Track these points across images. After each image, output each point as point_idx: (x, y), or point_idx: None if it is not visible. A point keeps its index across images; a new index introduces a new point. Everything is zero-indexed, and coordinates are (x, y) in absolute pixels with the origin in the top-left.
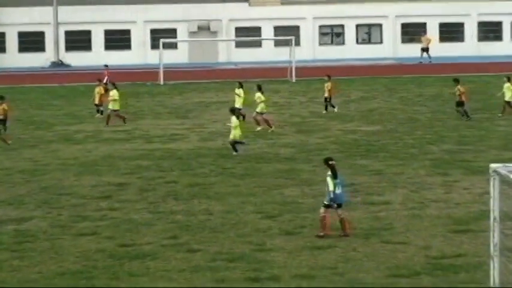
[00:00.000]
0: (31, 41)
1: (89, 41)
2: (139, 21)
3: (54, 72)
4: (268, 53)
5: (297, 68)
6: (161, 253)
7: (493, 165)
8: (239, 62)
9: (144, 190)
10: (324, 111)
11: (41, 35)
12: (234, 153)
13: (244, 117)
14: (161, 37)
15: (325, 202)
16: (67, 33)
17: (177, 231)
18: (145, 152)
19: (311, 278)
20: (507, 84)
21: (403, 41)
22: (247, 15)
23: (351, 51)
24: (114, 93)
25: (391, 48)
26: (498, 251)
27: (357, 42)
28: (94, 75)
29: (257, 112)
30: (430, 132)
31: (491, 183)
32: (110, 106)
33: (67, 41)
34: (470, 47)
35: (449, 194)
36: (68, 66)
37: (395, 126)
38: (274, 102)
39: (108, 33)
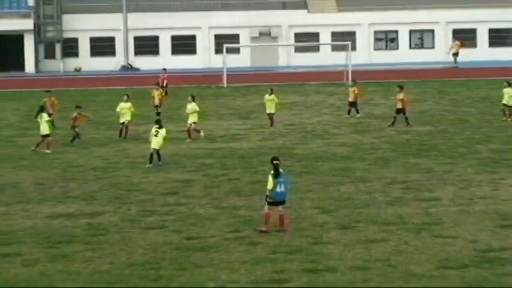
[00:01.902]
0: (102, 46)
1: (157, 46)
2: (204, 27)
3: (124, 76)
4: (325, 58)
5: (352, 72)
6: (224, 245)
7: None
8: (298, 65)
9: (209, 186)
10: (346, 115)
11: (111, 40)
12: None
13: (272, 122)
14: (225, 42)
15: (268, 200)
16: (136, 38)
17: (239, 225)
18: (209, 151)
19: (365, 269)
20: (507, 89)
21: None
22: (306, 21)
23: (404, 55)
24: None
25: (443, 52)
26: None
27: (410, 47)
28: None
29: (193, 123)
30: (478, 133)
31: None
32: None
33: (136, 46)
34: None
35: (496, 191)
36: (136, 69)
37: (445, 127)
38: (330, 104)
39: (174, 39)
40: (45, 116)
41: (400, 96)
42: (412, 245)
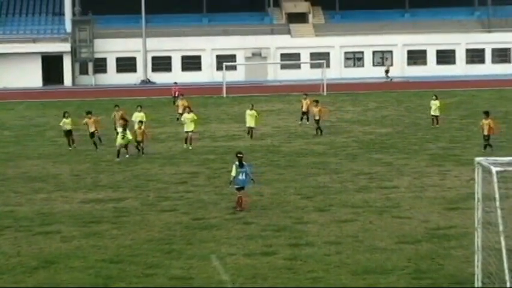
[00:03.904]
0: (126, 64)
1: (170, 64)
2: (207, 49)
3: (143, 88)
4: (305, 73)
5: (327, 85)
6: (224, 225)
7: (477, 159)
8: (283, 79)
9: (212, 177)
10: (300, 122)
11: (133, 59)
12: (117, 159)
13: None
14: (224, 61)
15: (235, 186)
16: (153, 58)
17: (247, 208)
18: (212, 149)
19: (338, 244)
20: (435, 102)
21: (409, 63)
22: (289, 44)
23: (368, 71)
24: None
25: (400, 69)
26: (481, 224)
27: (373, 64)
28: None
29: (191, 131)
30: (428, 133)
31: (476, 172)
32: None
33: (153, 64)
34: (460, 68)
35: (444, 181)
36: (153, 83)
37: (402, 129)
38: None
39: (184, 58)
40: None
41: (320, 109)
42: (376, 224)
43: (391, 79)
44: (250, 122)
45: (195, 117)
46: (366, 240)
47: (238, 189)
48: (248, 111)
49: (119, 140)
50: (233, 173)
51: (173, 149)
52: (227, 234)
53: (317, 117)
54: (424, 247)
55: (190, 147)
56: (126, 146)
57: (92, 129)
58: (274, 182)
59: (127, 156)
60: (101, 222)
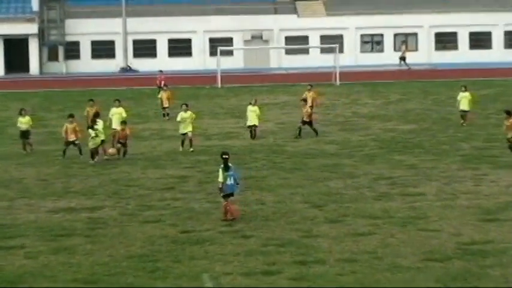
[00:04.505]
0: (102, 49)
1: (154, 48)
2: (199, 31)
3: (123, 77)
4: (314, 60)
5: (340, 73)
6: (218, 239)
7: None
8: (288, 67)
9: (203, 182)
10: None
11: (111, 43)
12: (91, 161)
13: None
14: (219, 45)
15: (222, 193)
16: (135, 41)
17: (237, 218)
18: (204, 148)
19: (353, 261)
20: (464, 94)
21: (437, 48)
22: (296, 25)
23: (389, 57)
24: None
25: (426, 55)
26: None
27: (395, 49)
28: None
29: (189, 132)
30: (460, 131)
31: None
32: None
33: (135, 49)
34: (497, 54)
35: (479, 187)
36: (135, 71)
37: (429, 125)
38: (321, 103)
39: (171, 42)
40: (101, 124)
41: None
42: (398, 238)
43: (409, 67)
44: (252, 119)
45: (194, 116)
46: (386, 257)
47: (226, 196)
48: (250, 107)
49: (91, 140)
50: (220, 179)
51: (158, 148)
52: (222, 249)
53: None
54: (455, 265)
55: (191, 150)
56: (97, 149)
57: (72, 138)
58: (278, 188)
59: (95, 160)
60: (72, 235)
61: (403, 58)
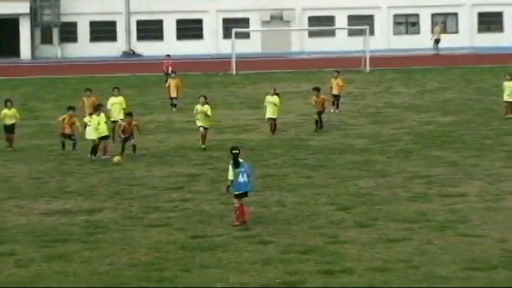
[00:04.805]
0: (102, 31)
1: (161, 30)
2: (211, 11)
3: (126, 62)
4: (341, 43)
5: (371, 58)
6: (233, 245)
7: None
8: (312, 51)
9: (216, 181)
10: (336, 111)
11: (112, 24)
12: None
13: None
14: (233, 27)
15: (235, 192)
16: (139, 22)
17: (249, 222)
18: (217, 143)
19: (385, 271)
20: (510, 83)
21: (480, 30)
22: (320, 4)
23: (426, 40)
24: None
25: (467, 37)
26: None
27: (432, 31)
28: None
29: (202, 127)
30: (506, 123)
31: None
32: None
33: (139, 31)
34: None
35: None
36: (139, 55)
37: (471, 117)
38: (348, 92)
39: (180, 23)
40: (103, 116)
41: (324, 97)
42: (436, 244)
43: (438, 51)
44: (271, 111)
45: (209, 108)
46: (422, 266)
47: (238, 196)
48: (268, 98)
49: (91, 132)
50: (230, 176)
51: (165, 143)
52: (237, 257)
53: (335, 92)
54: (501, 275)
55: (203, 147)
56: (97, 145)
57: (67, 131)
58: (300, 188)
59: (102, 157)
60: (68, 240)
61: (437, 41)
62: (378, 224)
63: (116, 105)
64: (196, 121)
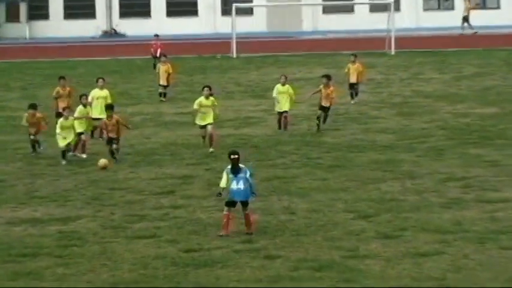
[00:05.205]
0: (78, 6)
1: (148, 5)
2: None
3: (106, 43)
4: (362, 20)
5: (396, 38)
6: (234, 260)
7: None
8: (327, 31)
9: (214, 184)
10: (353, 101)
11: None
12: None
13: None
14: (234, 1)
15: (226, 200)
16: None
17: (253, 233)
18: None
19: None
20: None
21: None
22: None
23: (461, 17)
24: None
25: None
26: None
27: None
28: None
29: (209, 125)
30: None
31: None
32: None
33: (122, 6)
34: None
35: None
36: (122, 35)
37: None
38: (369, 79)
39: None
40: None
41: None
42: (474, 259)
43: (470, 29)
44: (283, 103)
45: (216, 104)
46: (458, 284)
47: (229, 204)
48: (279, 87)
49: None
50: (223, 184)
51: (153, 139)
52: (238, 274)
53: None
54: None
55: (211, 150)
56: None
57: (32, 131)
58: (314, 193)
59: (79, 155)
60: (38, 255)
61: (465, 18)
62: (405, 235)
63: (100, 99)
64: (197, 119)
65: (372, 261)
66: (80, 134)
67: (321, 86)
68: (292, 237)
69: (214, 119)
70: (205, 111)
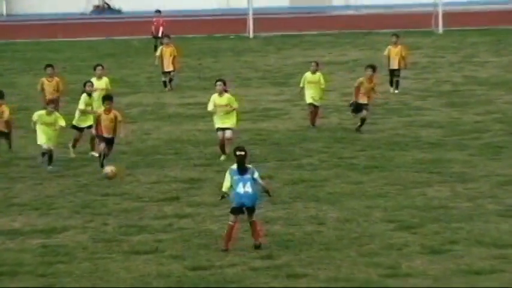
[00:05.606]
0: None
1: None
2: None
3: (98, 21)
4: None
5: (445, 14)
6: (250, 279)
7: None
8: (361, 5)
9: None
10: (396, 91)
11: None
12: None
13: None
14: None
15: (233, 205)
16: None
17: (273, 247)
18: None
19: None
20: None
21: None
22: None
23: None
24: None
25: None
26: None
27: None
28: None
29: (227, 129)
30: None
31: None
32: None
33: None
34: None
35: None
36: (117, 11)
37: None
38: (412, 63)
39: None
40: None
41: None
42: None
43: None
44: (312, 94)
45: (235, 104)
46: None
47: (236, 210)
48: (309, 75)
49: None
50: (225, 187)
51: (154, 135)
52: None
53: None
54: None
55: (223, 158)
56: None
57: (1, 127)
58: (346, 199)
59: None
60: (18, 273)
61: None
62: (455, 250)
63: (98, 91)
64: (215, 119)
65: (417, 280)
66: (89, 127)
67: (362, 79)
68: (320, 252)
69: (233, 120)
70: (221, 111)
